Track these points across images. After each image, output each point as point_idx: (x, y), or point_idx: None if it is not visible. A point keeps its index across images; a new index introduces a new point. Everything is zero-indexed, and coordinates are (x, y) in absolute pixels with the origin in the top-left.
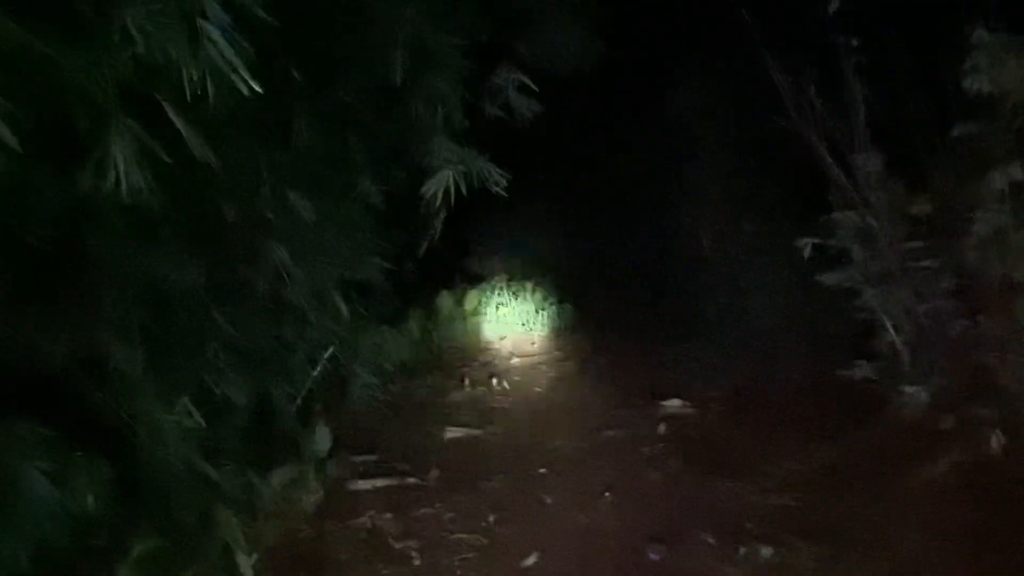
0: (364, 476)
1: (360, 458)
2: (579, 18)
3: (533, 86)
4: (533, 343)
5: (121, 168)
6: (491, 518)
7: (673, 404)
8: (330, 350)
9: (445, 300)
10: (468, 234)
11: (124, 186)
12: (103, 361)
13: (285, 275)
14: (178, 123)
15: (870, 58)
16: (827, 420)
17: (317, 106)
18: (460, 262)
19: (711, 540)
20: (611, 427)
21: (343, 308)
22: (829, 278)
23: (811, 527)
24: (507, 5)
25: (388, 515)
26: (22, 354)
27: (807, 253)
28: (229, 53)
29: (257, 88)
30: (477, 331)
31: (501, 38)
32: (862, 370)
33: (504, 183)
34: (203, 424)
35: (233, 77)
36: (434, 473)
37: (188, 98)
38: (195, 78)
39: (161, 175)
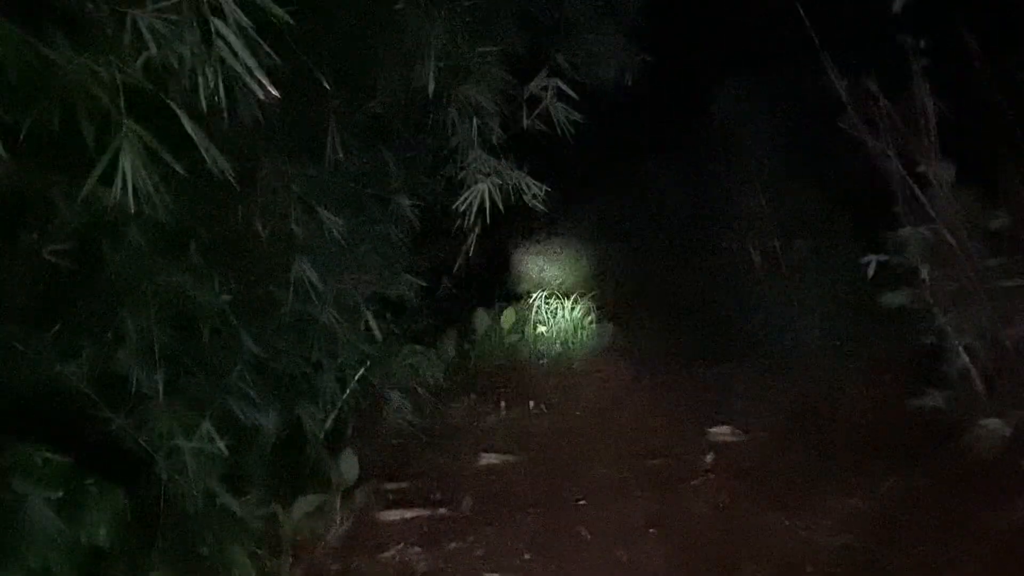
0: (394, 506)
1: (391, 485)
2: (621, 26)
3: (572, 93)
4: (573, 364)
5: (129, 177)
6: (526, 555)
7: (723, 431)
8: (361, 371)
9: (481, 318)
10: (506, 250)
11: (131, 196)
12: (122, 384)
13: (313, 294)
14: (189, 129)
15: (940, 59)
16: (893, 453)
17: (350, 119)
18: (498, 279)
19: None
20: (656, 455)
21: (375, 327)
22: (895, 299)
23: (876, 572)
24: (545, 14)
25: (417, 549)
26: (35, 376)
27: (871, 271)
28: (245, 55)
29: (275, 92)
30: (515, 351)
31: (540, 48)
32: (932, 399)
33: (542, 196)
34: (225, 451)
35: (248, 80)
36: (467, 503)
37: (203, 104)
38: (210, 82)
39: (186, 189)
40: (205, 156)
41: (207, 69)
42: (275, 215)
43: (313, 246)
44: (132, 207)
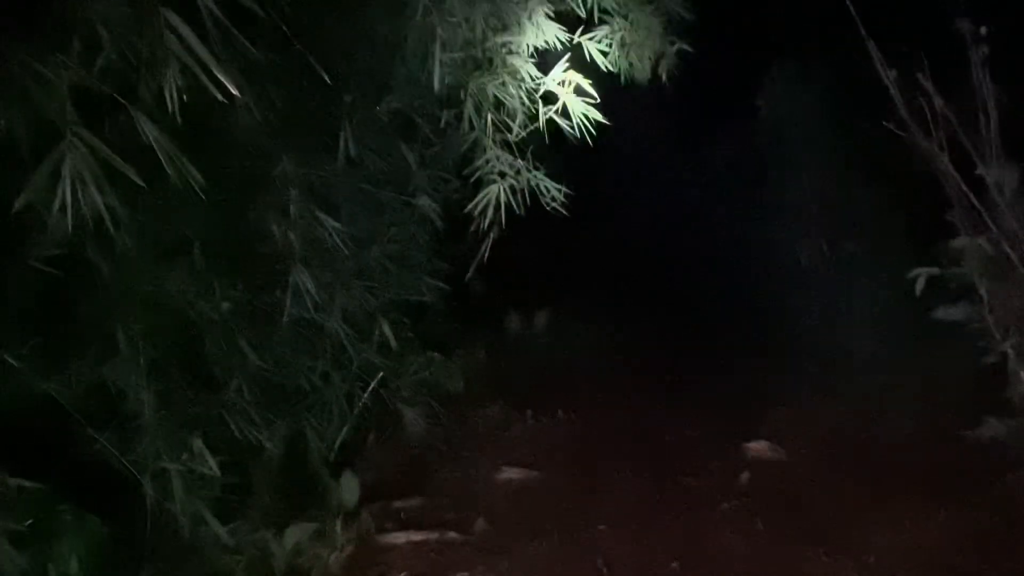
0: (402, 527)
1: (401, 503)
2: (658, 13)
3: (589, 89)
4: (607, 370)
5: (68, 190)
6: None
7: (761, 448)
8: (374, 382)
9: (513, 321)
10: (539, 250)
11: (69, 214)
12: (109, 400)
13: (313, 302)
14: (148, 133)
15: (1003, 49)
16: (946, 485)
17: (365, 115)
18: (529, 280)
19: None
20: (687, 472)
21: (390, 335)
22: (950, 314)
23: None
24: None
25: None
26: (12, 392)
27: (919, 287)
28: (201, 50)
29: (235, 92)
30: (546, 356)
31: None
32: (992, 428)
33: (561, 199)
34: (217, 472)
35: (203, 78)
36: (480, 525)
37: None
38: (174, 82)
39: (179, 194)
40: (165, 165)
41: (167, 66)
42: (279, 221)
43: (318, 252)
44: (69, 227)
